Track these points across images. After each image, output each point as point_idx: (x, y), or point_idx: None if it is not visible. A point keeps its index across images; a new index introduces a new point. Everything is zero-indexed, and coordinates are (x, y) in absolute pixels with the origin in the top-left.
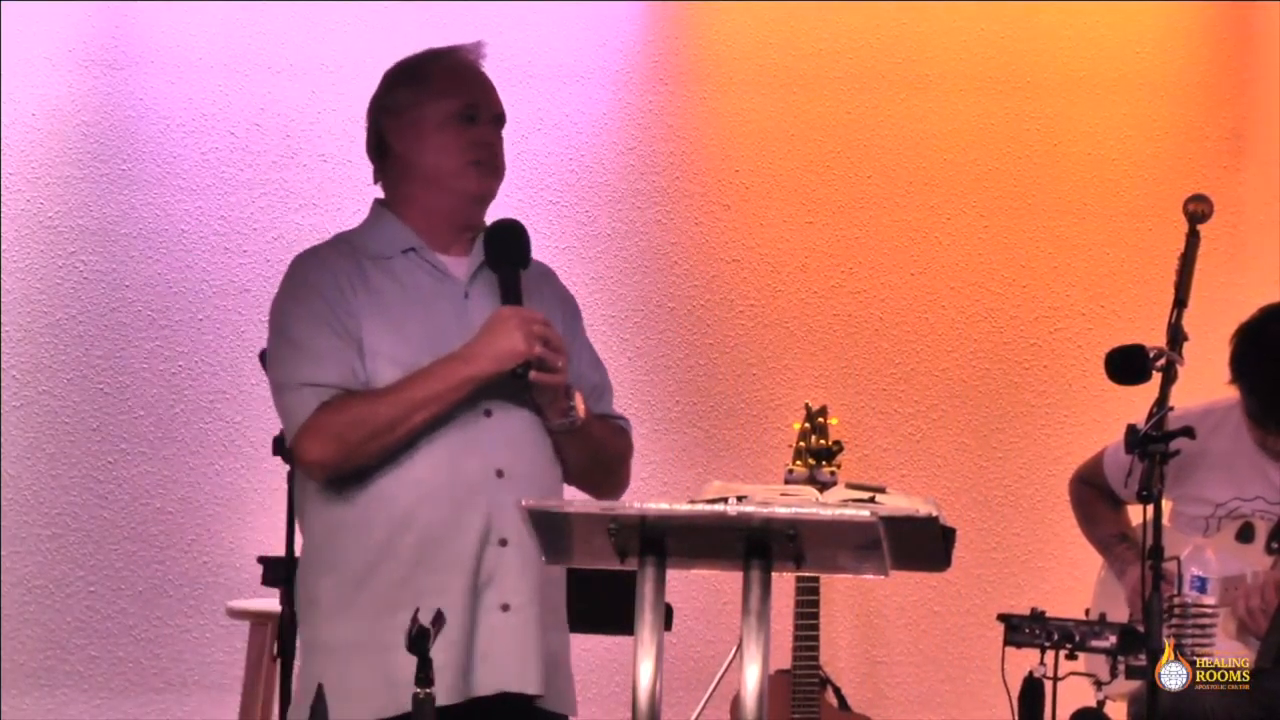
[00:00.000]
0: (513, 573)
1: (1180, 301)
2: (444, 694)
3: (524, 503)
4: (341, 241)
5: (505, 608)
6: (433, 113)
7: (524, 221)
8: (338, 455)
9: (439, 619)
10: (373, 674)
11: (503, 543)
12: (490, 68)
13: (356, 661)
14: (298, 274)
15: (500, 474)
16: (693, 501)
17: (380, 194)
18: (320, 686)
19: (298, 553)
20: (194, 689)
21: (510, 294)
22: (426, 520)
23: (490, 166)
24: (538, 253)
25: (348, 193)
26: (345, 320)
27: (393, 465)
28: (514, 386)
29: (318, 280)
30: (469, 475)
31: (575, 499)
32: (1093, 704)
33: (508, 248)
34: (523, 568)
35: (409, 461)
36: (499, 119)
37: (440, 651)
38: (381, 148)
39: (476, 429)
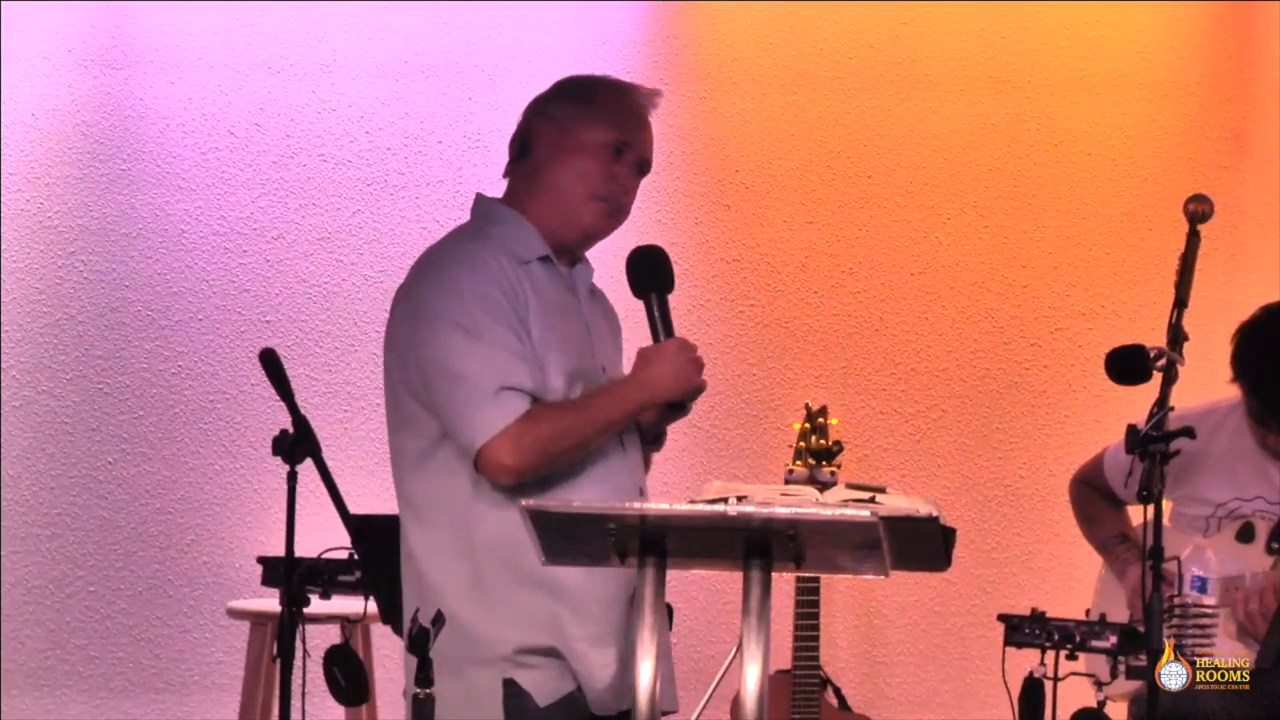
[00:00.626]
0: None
1: (1180, 301)
2: (600, 705)
3: (523, 502)
4: (485, 238)
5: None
6: (584, 135)
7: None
8: (538, 464)
9: (439, 619)
10: (562, 680)
11: None
12: (491, 68)
13: (539, 663)
14: (463, 273)
15: (641, 492)
16: (693, 501)
17: (475, 192)
18: (511, 682)
19: (297, 553)
20: (194, 689)
21: (667, 323)
22: None
23: (614, 205)
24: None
25: (348, 193)
26: (522, 325)
27: (568, 476)
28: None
29: (491, 281)
30: (625, 493)
31: (574, 499)
32: (1093, 704)
33: (656, 274)
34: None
35: (578, 475)
36: (644, 166)
37: (605, 665)
38: (525, 147)
39: (619, 448)
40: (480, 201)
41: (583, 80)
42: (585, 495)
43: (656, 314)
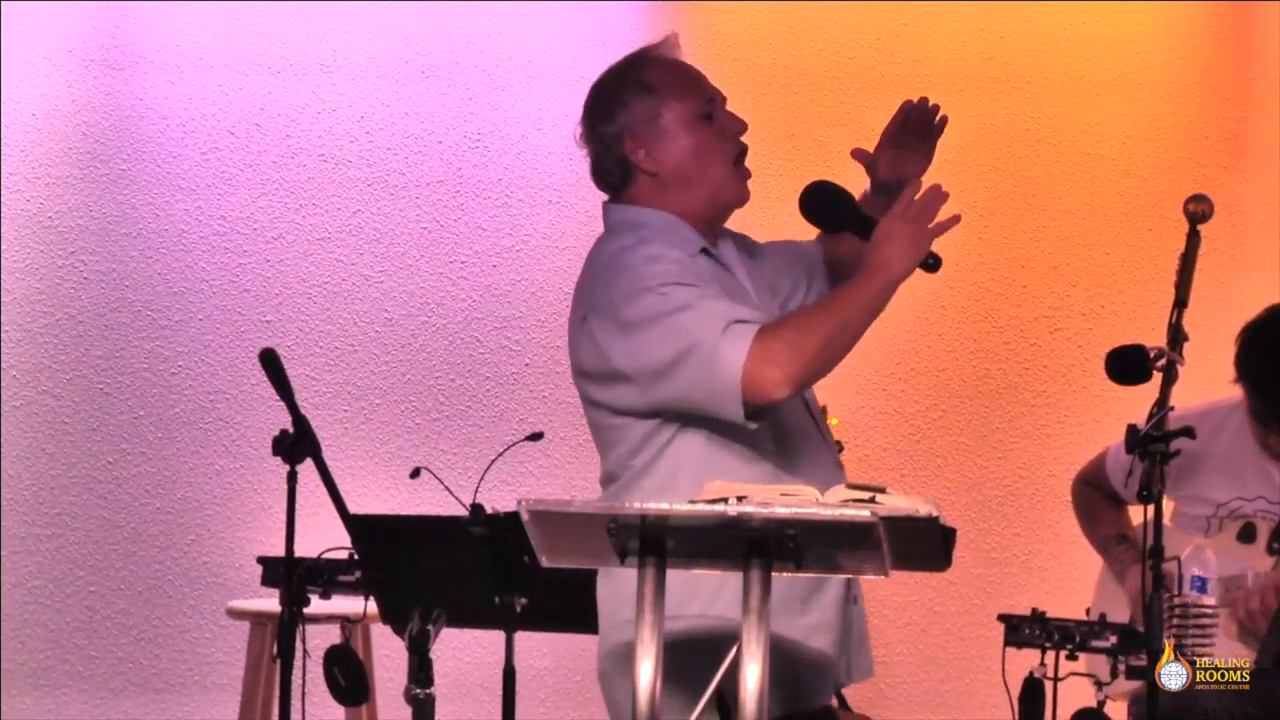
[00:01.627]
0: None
1: (1180, 301)
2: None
3: (522, 502)
4: (642, 236)
5: (855, 600)
6: (674, 123)
7: (525, 222)
8: (800, 367)
9: (439, 619)
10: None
11: None
12: (491, 68)
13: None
14: (642, 268)
15: (839, 466)
16: (693, 501)
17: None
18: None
19: (297, 553)
20: (194, 689)
21: (868, 223)
22: None
23: (742, 159)
24: (539, 250)
25: (348, 193)
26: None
27: (789, 464)
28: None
29: (671, 261)
30: (833, 475)
31: (575, 499)
32: (1093, 704)
33: (833, 205)
34: None
35: (793, 460)
36: (724, 100)
37: (823, 645)
38: (626, 171)
39: (815, 434)
40: (614, 209)
41: (616, 80)
42: (807, 477)
43: (855, 227)
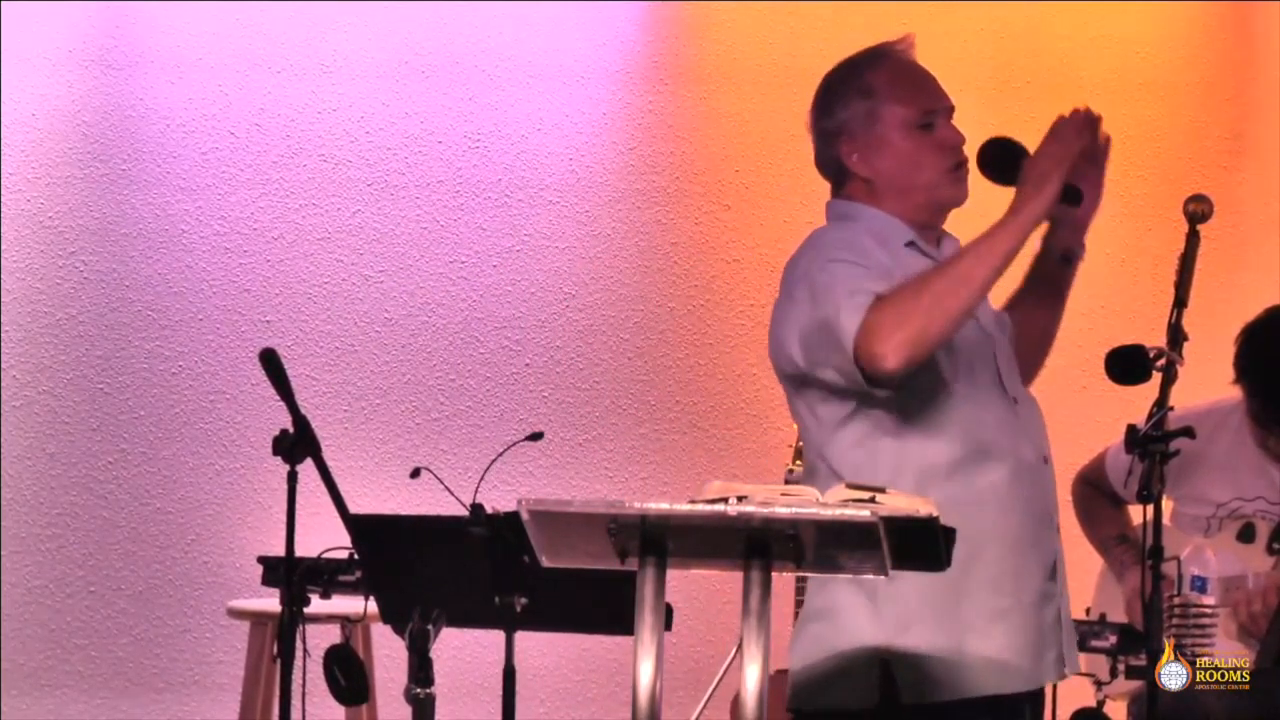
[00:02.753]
0: (1061, 556)
1: (1180, 301)
2: (1021, 680)
3: (522, 502)
4: (848, 226)
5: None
6: (892, 130)
7: (525, 222)
8: (909, 334)
9: (439, 619)
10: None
11: (1058, 528)
12: (491, 68)
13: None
14: (834, 245)
15: (1045, 460)
16: (693, 501)
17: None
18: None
19: (297, 553)
20: (194, 689)
21: (1016, 171)
22: (1023, 500)
23: (959, 164)
24: (539, 250)
25: (348, 193)
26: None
27: (977, 455)
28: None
29: (858, 241)
30: (1031, 463)
31: (575, 499)
32: (1093, 704)
33: (1004, 157)
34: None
35: (984, 450)
36: (950, 111)
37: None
38: (841, 170)
39: (1015, 418)
40: (832, 205)
41: (842, 76)
42: (996, 464)
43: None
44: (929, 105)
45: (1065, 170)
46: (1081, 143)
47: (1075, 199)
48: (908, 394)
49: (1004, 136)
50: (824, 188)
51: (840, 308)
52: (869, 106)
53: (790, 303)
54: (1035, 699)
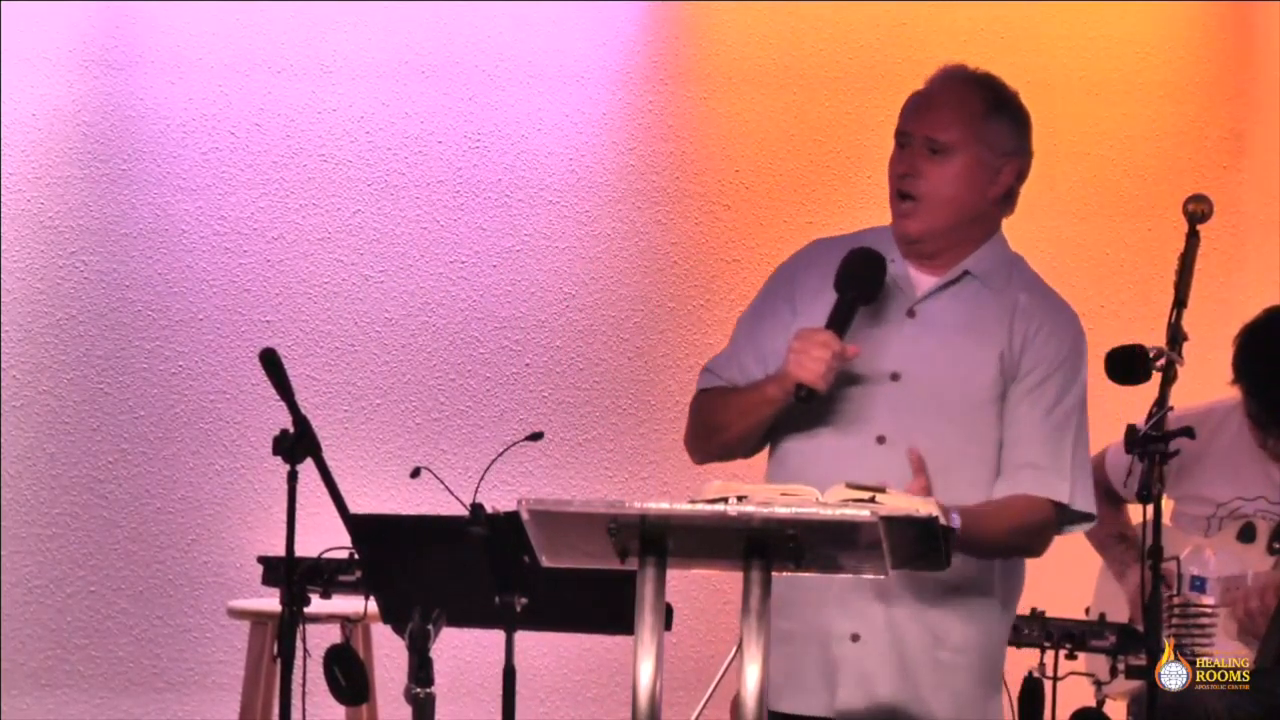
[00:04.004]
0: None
1: (1180, 301)
2: (799, 704)
3: (522, 501)
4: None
5: (856, 637)
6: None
7: (525, 222)
8: (692, 443)
9: (439, 619)
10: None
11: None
12: (491, 68)
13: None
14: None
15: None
16: (693, 501)
17: None
18: None
19: (297, 553)
20: (194, 689)
21: (834, 319)
22: None
23: (898, 193)
24: (539, 250)
25: (348, 193)
26: (790, 304)
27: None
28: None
29: (786, 269)
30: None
31: (575, 499)
32: (1093, 704)
33: (854, 276)
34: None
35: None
36: (930, 144)
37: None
38: None
39: (866, 455)
40: None
41: None
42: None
43: (839, 312)
44: (899, 126)
45: (811, 375)
46: (803, 373)
47: (808, 399)
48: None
49: (873, 256)
50: (824, 187)
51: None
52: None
53: None
54: None
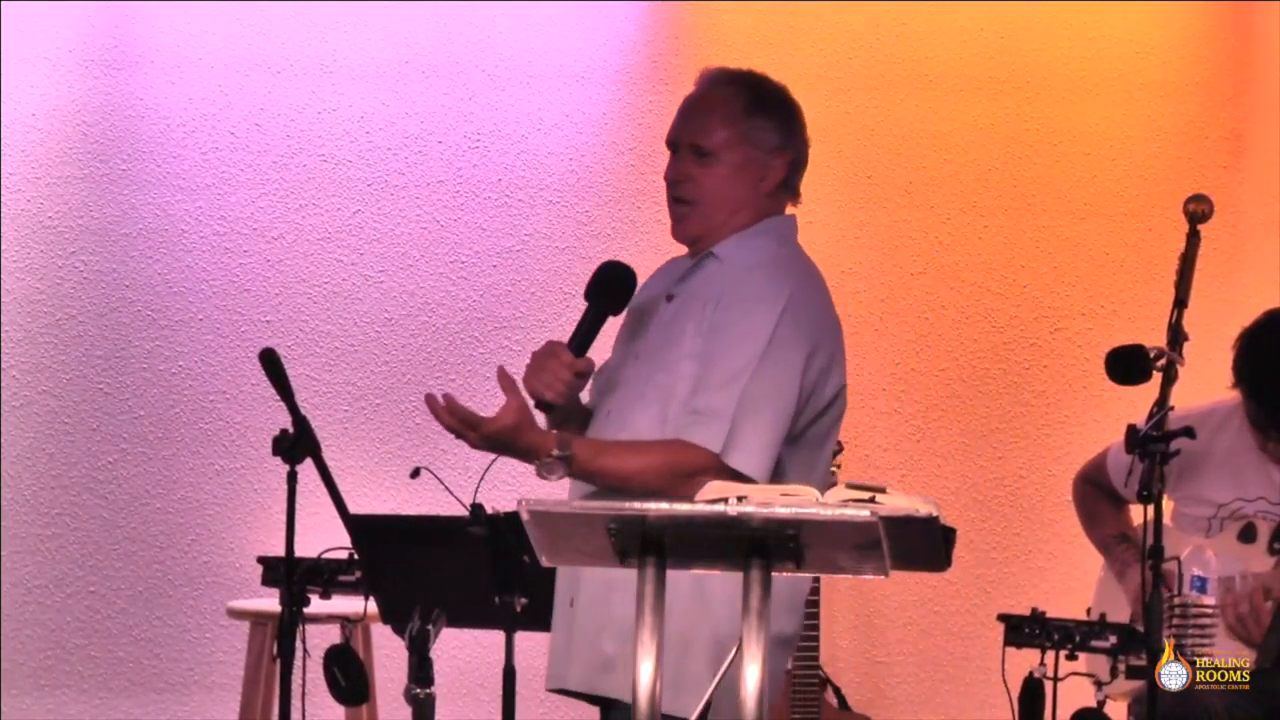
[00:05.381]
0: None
1: (1180, 301)
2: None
3: (522, 501)
4: None
5: (572, 603)
6: None
7: (525, 222)
8: None
9: (439, 619)
10: None
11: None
12: (491, 68)
13: None
14: None
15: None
16: (693, 501)
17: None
18: None
19: (297, 553)
20: (194, 689)
21: (580, 330)
22: None
23: (670, 198)
24: (539, 250)
25: (348, 193)
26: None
27: None
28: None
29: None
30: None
31: (574, 499)
32: (1093, 704)
33: (603, 288)
34: None
35: None
36: (695, 150)
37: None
38: None
39: (597, 430)
40: None
41: None
42: None
43: (584, 324)
44: (668, 135)
45: (541, 386)
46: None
47: (549, 409)
48: None
49: (624, 270)
50: (824, 187)
51: None
52: None
53: None
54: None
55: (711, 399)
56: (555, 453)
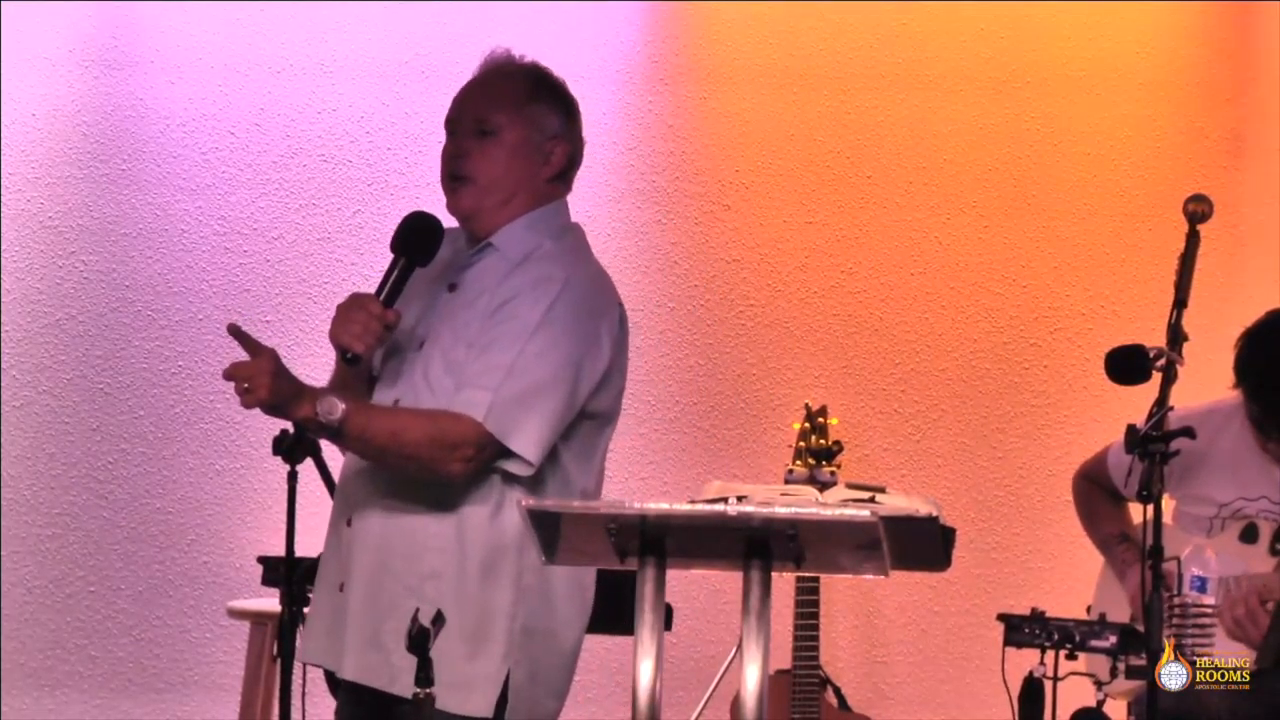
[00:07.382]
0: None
1: (1180, 301)
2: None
3: (522, 502)
4: None
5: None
6: None
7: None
8: None
9: (439, 618)
10: None
11: (349, 523)
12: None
13: None
14: None
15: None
16: (693, 501)
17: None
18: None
19: (297, 553)
20: (194, 689)
21: (386, 281)
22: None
23: (446, 175)
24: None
25: (348, 193)
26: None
27: None
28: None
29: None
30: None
31: (575, 499)
32: (1093, 704)
33: (408, 241)
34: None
35: None
36: (476, 125)
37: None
38: None
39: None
40: None
41: None
42: None
43: (390, 275)
44: (447, 116)
45: (349, 338)
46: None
47: (353, 361)
48: None
49: (430, 219)
50: (824, 187)
51: None
52: None
53: None
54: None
55: (481, 378)
56: (340, 410)
